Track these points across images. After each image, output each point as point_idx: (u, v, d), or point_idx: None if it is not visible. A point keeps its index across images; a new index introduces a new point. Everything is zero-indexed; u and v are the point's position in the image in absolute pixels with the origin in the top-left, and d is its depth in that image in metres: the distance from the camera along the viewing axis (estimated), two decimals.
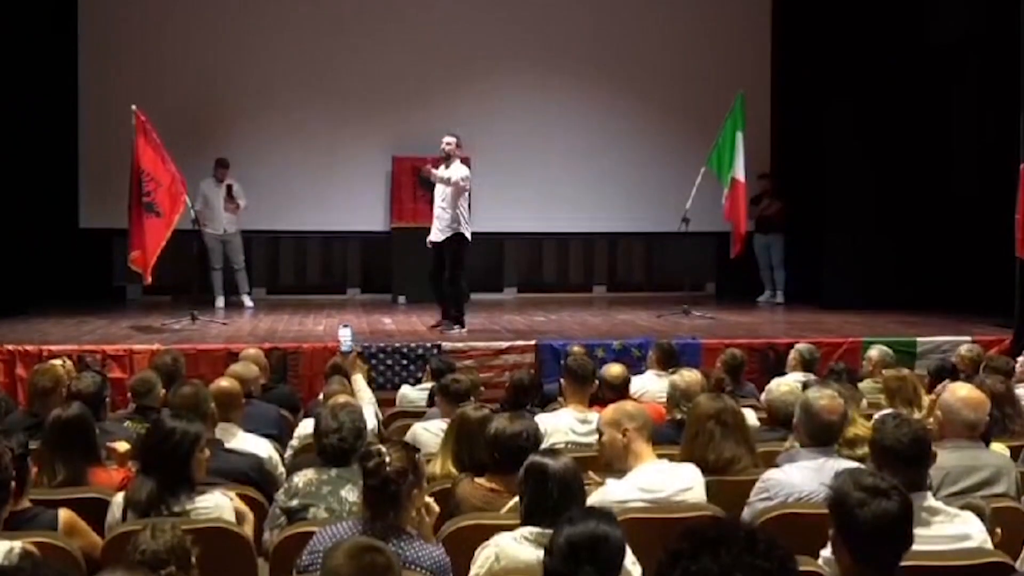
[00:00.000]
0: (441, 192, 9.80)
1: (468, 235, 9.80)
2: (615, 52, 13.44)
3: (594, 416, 5.64)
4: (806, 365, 7.35)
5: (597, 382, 6.10)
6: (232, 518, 3.97)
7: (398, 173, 12.87)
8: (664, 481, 4.05)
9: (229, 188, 11.70)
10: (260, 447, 5.12)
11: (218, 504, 3.96)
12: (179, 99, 12.34)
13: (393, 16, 13.12)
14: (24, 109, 11.56)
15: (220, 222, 11.67)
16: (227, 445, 4.95)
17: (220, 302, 11.67)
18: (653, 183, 13.22)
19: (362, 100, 12.88)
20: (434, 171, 9.86)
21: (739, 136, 11.06)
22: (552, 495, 3.42)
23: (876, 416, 4.21)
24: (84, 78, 12.68)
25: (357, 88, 12.96)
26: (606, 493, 4.01)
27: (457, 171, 9.78)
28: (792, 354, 7.58)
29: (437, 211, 9.86)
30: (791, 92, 13.33)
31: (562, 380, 6.22)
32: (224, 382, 5.41)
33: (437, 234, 9.82)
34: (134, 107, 9.71)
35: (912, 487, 3.44)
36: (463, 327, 9.77)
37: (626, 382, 6.38)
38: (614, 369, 6.40)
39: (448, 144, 9.87)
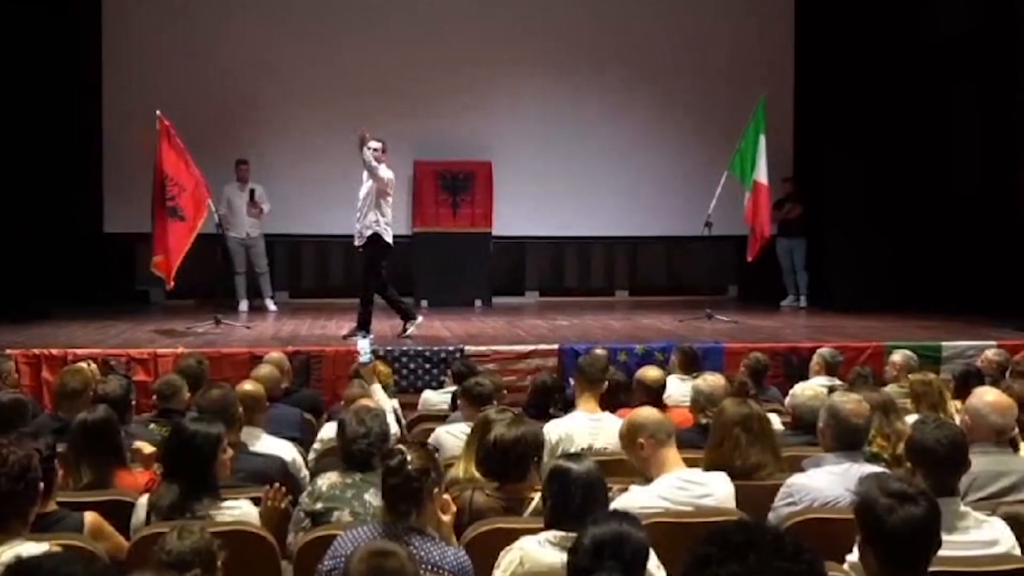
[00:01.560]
0: (365, 190, 9.50)
1: (389, 239, 9.52)
2: (637, 56, 13.42)
3: (603, 415, 5.65)
4: (829, 369, 7.32)
5: (607, 383, 6.08)
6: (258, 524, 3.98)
7: (420, 177, 12.89)
8: (689, 489, 4.03)
9: (252, 192, 11.77)
10: (283, 450, 5.13)
11: (245, 512, 3.97)
12: (202, 104, 12.40)
13: (416, 20, 13.14)
14: (49, 115, 11.65)
15: (243, 226, 11.74)
16: (251, 448, 4.97)
17: (243, 306, 11.76)
18: (675, 187, 13.19)
19: (384, 104, 12.89)
20: (365, 149, 9.37)
21: (761, 139, 11.01)
22: (576, 499, 3.42)
23: (912, 419, 4.19)
24: (108, 83, 12.76)
25: (379, 91, 12.96)
26: (630, 499, 4.00)
27: (385, 172, 9.52)
28: (815, 358, 7.54)
29: (358, 213, 9.53)
30: (814, 95, 13.28)
31: (571, 379, 6.20)
32: (248, 386, 5.43)
33: (358, 238, 9.53)
34: (158, 112, 9.77)
35: (944, 491, 3.43)
36: (369, 334, 9.36)
37: (662, 386, 6.36)
38: (651, 373, 6.38)
39: (375, 149, 9.45)
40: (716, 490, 4.07)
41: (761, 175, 11.00)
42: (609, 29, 13.40)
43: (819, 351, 7.62)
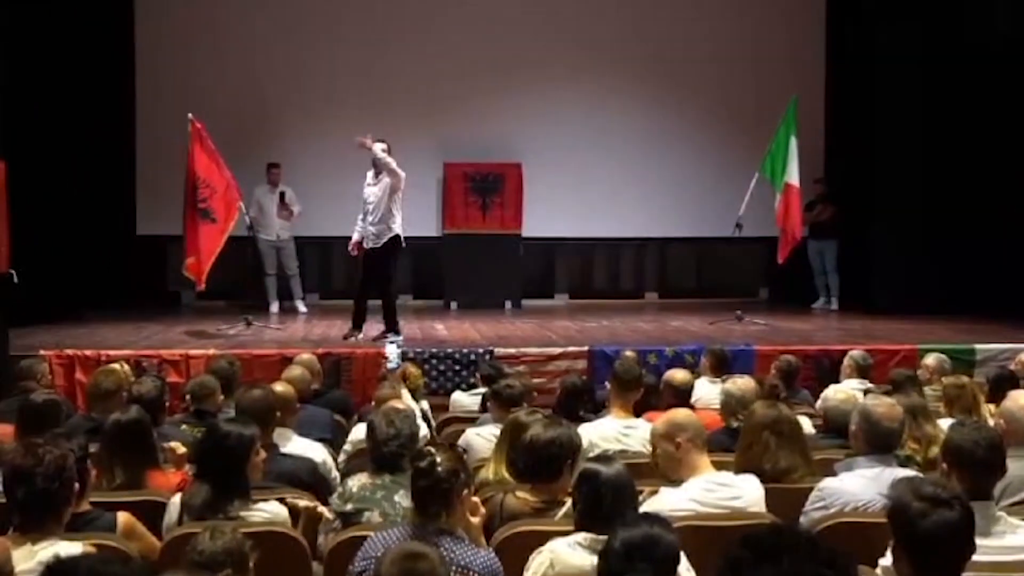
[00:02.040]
0: (378, 191, 9.43)
1: (402, 238, 9.49)
2: (666, 56, 13.37)
3: (638, 422, 5.63)
4: (861, 372, 7.26)
5: (643, 389, 6.06)
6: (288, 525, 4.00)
7: (450, 179, 12.91)
8: (719, 491, 4.02)
9: (282, 195, 11.82)
10: (314, 451, 5.15)
11: (276, 513, 3.98)
12: (233, 107, 12.48)
13: (446, 24, 13.16)
14: (82, 118, 11.75)
15: (273, 228, 11.80)
16: (282, 450, 4.99)
17: (274, 307, 11.82)
18: (705, 188, 13.14)
19: (413, 106, 12.93)
20: (375, 147, 9.43)
21: (793, 141, 10.93)
22: (605, 501, 3.41)
23: (945, 423, 4.15)
24: (141, 87, 12.87)
25: (408, 93, 13.00)
26: (660, 501, 3.99)
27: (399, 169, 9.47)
28: (846, 360, 7.49)
29: (370, 216, 9.46)
30: (845, 96, 13.19)
31: (607, 384, 6.18)
32: (279, 387, 5.45)
33: (369, 240, 9.46)
34: (190, 115, 9.84)
35: (980, 495, 3.41)
36: (399, 334, 9.38)
37: (690, 389, 6.34)
38: (679, 375, 6.35)
39: (383, 149, 9.49)
40: (746, 493, 4.05)
41: (792, 177, 10.91)
42: (639, 31, 13.36)
43: (850, 354, 7.56)
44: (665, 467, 4.16)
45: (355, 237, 9.67)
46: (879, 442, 4.18)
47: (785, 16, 13.55)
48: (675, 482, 4.09)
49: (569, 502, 3.84)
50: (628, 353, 7.94)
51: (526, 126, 12.89)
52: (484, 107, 13.06)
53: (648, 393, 6.35)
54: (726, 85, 13.37)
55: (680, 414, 4.40)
